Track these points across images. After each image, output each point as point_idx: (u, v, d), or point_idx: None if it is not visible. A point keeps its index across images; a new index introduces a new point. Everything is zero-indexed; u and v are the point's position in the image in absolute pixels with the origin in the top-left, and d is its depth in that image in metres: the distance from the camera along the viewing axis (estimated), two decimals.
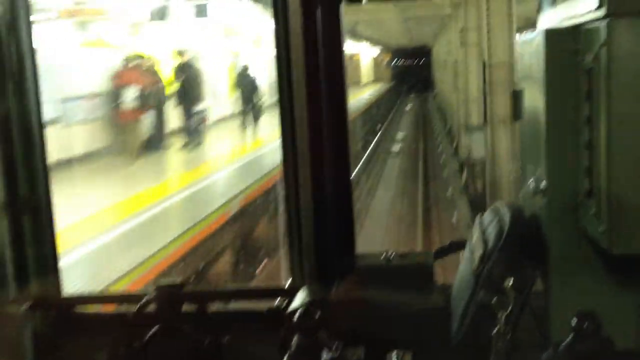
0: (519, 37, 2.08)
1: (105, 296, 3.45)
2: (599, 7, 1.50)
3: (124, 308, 2.55)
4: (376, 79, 54.06)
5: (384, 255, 2.30)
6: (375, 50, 53.41)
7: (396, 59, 67.61)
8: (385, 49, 57.34)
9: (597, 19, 1.52)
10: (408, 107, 47.19)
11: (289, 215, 2.39)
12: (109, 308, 2.75)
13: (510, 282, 1.75)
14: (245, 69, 18.09)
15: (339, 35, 2.32)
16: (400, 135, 30.87)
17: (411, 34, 40.71)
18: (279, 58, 2.33)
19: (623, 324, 1.70)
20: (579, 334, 1.44)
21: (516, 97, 2.04)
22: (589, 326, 1.43)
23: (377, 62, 57.51)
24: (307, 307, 1.97)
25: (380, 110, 38.30)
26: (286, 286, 2.41)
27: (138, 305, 2.18)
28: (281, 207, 8.96)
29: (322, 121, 2.29)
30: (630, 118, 1.49)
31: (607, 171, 1.51)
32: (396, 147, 26.96)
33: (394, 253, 2.31)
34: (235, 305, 2.59)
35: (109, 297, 3.29)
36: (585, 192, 1.65)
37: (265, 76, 16.82)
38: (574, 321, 1.45)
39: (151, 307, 2.20)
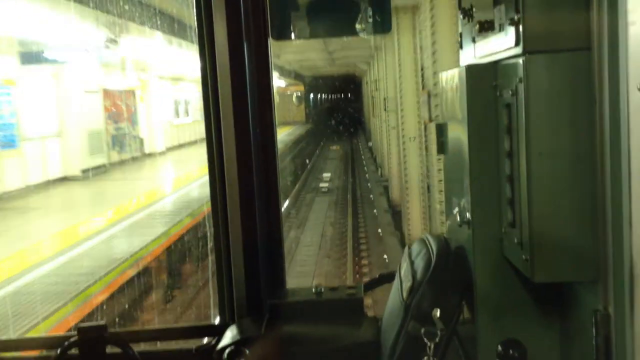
0: (441, 73, 2.15)
1: (25, 340, 3.30)
2: (517, 44, 1.57)
3: (45, 352, 2.44)
4: (282, 123, 39.02)
5: (314, 289, 2.30)
6: (281, 82, 39.52)
7: (316, 93, 53.43)
8: (299, 78, 44.61)
9: (515, 56, 1.59)
10: (325, 182, 24.00)
11: (219, 252, 2.36)
12: (30, 353, 2.62)
13: (438, 312, 1.77)
14: None
15: (268, 70, 2.34)
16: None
17: (334, 60, 31.29)
18: (206, 94, 2.32)
19: (547, 349, 1.75)
20: None
21: (440, 130, 2.08)
22: (514, 353, 1.46)
23: (284, 97, 43.35)
24: (237, 344, 1.94)
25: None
26: (216, 323, 2.36)
27: (60, 349, 2.09)
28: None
29: (251, 157, 2.29)
30: (548, 151, 1.55)
31: (528, 202, 1.56)
32: None
33: (323, 287, 2.31)
34: (162, 344, 2.52)
35: (29, 341, 3.14)
36: (508, 223, 1.70)
37: None
38: (499, 348, 1.48)
39: (74, 350, 2.12)
